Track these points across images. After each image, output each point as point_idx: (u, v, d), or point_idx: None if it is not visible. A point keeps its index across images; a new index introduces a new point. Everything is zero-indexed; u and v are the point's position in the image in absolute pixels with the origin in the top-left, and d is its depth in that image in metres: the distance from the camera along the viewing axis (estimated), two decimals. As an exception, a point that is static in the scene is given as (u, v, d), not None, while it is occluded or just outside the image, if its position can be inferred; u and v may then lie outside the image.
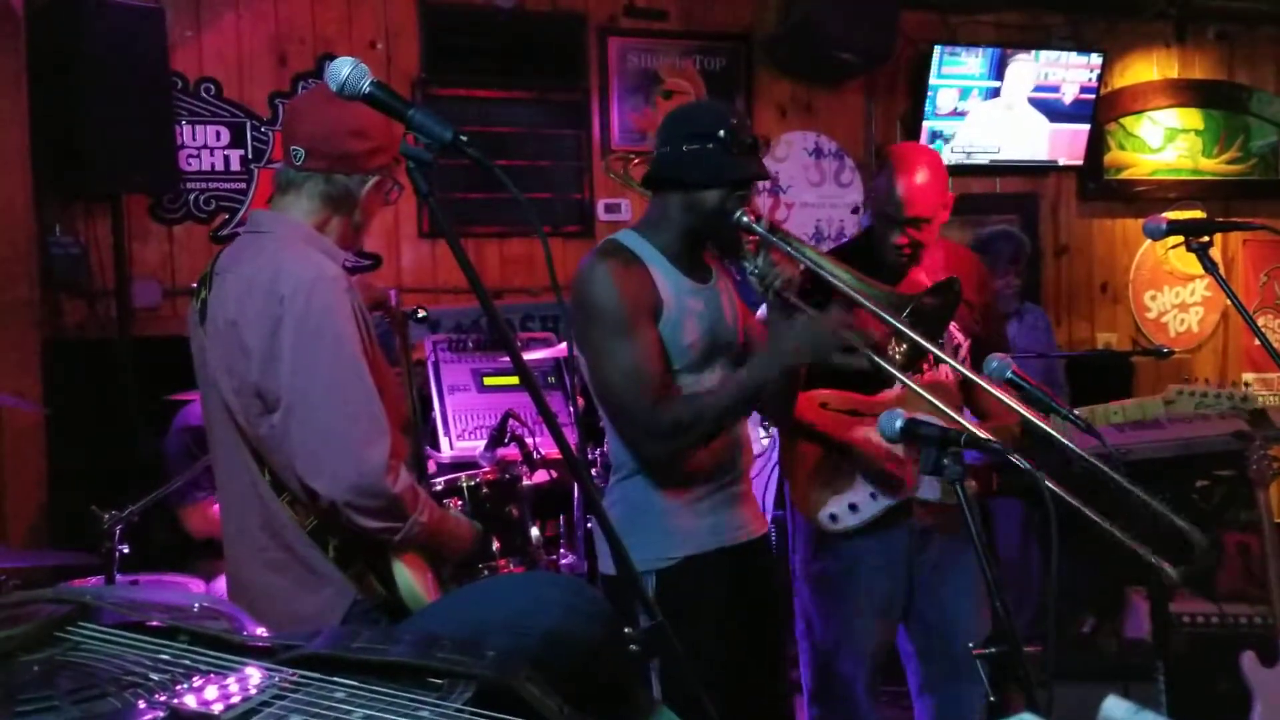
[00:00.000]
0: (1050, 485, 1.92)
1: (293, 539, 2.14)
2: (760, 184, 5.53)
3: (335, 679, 0.88)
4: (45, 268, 4.35)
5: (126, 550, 3.17)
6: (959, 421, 2.23)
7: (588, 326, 2.39)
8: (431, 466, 4.02)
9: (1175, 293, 6.51)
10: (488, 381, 4.44)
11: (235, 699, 0.83)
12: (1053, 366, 4.94)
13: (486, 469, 3.53)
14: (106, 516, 3.12)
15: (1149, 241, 6.25)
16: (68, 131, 4.12)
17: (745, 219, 2.39)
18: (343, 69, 1.64)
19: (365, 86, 1.65)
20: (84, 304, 4.50)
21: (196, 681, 0.87)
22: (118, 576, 3.17)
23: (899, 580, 3.02)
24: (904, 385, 2.37)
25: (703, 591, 2.41)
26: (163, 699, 0.83)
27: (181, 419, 3.85)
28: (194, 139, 4.70)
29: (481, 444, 3.83)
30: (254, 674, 0.88)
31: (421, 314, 3.39)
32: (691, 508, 2.44)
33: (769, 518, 4.66)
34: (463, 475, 3.43)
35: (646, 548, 2.37)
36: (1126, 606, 4.22)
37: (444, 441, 4.31)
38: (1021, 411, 2.22)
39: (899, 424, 2.16)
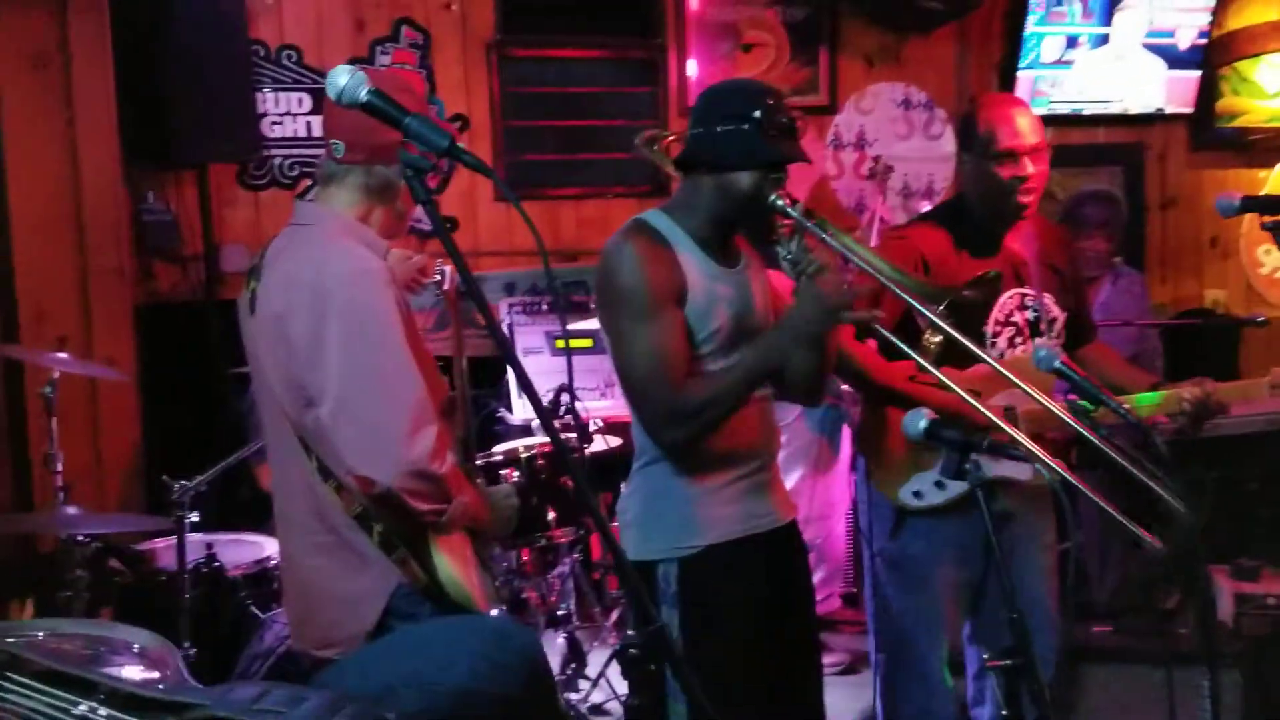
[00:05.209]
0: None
1: (338, 523, 2.19)
2: (845, 136, 5.41)
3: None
4: (138, 234, 4.50)
5: (196, 518, 3.26)
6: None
7: (612, 308, 2.36)
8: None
9: (1292, 247, 6.13)
10: (559, 344, 4.47)
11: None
12: (1148, 332, 4.72)
13: (544, 440, 3.56)
14: (176, 486, 3.20)
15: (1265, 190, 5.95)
16: (153, 101, 4.24)
17: (780, 203, 2.32)
18: (340, 78, 1.65)
19: (363, 95, 1.65)
20: (177, 269, 4.64)
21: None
22: (190, 538, 3.26)
23: (977, 566, 2.95)
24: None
25: (727, 579, 2.38)
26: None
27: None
28: (277, 106, 4.78)
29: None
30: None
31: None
32: (715, 494, 2.40)
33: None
34: (520, 446, 3.47)
35: (668, 535, 2.37)
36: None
37: (516, 405, 4.36)
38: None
39: (922, 424, 2.12)
